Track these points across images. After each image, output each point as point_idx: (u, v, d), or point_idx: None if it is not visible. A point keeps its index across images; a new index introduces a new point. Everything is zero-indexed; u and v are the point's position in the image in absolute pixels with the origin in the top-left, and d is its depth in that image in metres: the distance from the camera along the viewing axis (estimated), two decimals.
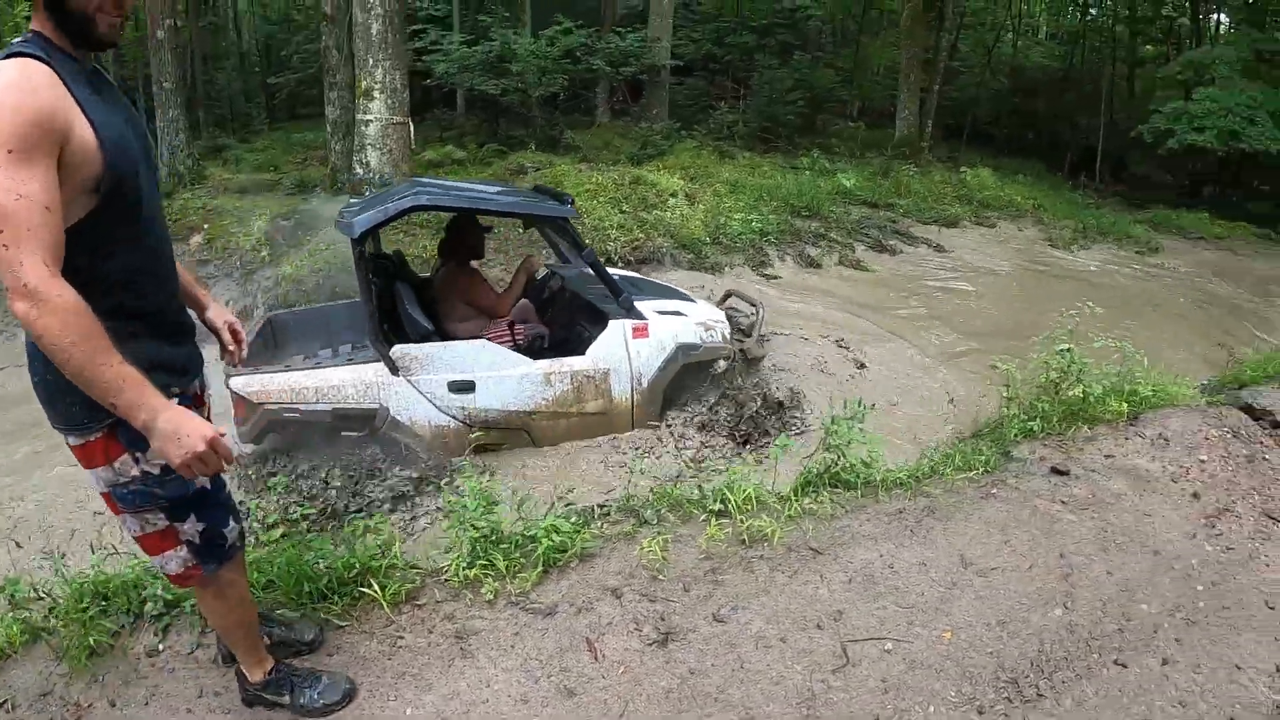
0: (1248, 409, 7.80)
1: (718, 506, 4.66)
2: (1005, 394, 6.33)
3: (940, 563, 4.43)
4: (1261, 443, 6.63)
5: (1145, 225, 17.99)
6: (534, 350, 6.86)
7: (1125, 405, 6.09)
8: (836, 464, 5.14)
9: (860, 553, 4.39)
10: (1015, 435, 5.88)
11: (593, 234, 11.60)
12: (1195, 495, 5.32)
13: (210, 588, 2.93)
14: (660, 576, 4.14)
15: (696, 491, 4.90)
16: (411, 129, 12.94)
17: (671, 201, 13.36)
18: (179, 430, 2.29)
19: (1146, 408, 6.25)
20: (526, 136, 18.10)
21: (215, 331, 3.17)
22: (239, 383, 5.96)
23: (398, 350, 6.17)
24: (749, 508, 4.71)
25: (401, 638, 3.75)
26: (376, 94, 12.28)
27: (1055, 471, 5.43)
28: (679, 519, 4.65)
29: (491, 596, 3.96)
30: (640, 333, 6.76)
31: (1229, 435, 6.29)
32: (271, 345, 7.05)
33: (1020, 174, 22.48)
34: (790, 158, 18.79)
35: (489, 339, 6.65)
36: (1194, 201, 22.50)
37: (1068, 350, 6.10)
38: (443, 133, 18.75)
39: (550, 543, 4.14)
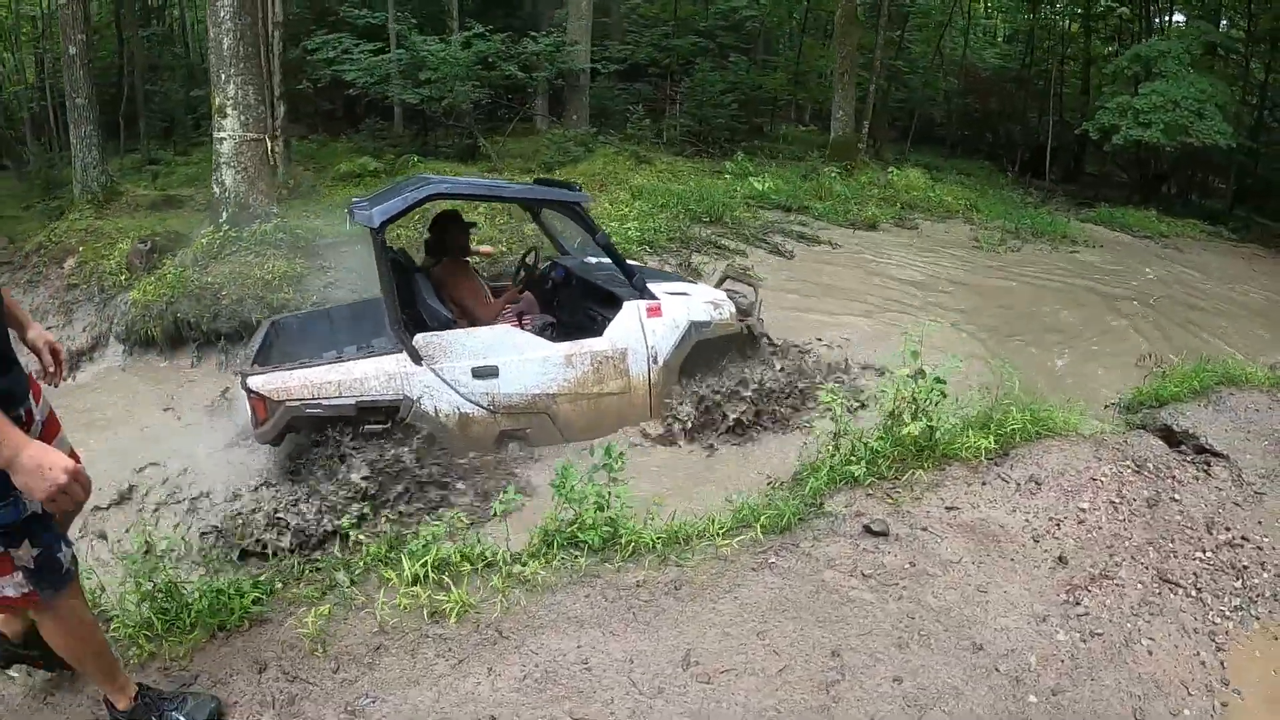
0: (1165, 432, 6.76)
1: (416, 570, 3.98)
2: (834, 427, 5.15)
3: (655, 660, 3.46)
4: (1173, 478, 5.57)
5: (1089, 224, 17.37)
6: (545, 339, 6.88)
7: (991, 439, 4.93)
8: (574, 521, 4.26)
9: (556, 640, 3.62)
10: (825, 483, 4.73)
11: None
12: (1060, 559, 4.22)
13: (49, 614, 2.87)
14: (318, 652, 3.58)
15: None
16: (269, 146, 12.08)
17: None
18: (42, 465, 2.38)
19: (1021, 441, 5.10)
20: (447, 147, 17.73)
21: (36, 352, 3.22)
22: (258, 382, 5.92)
23: (420, 338, 6.17)
24: (465, 569, 4.05)
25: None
26: (230, 110, 11.55)
27: (868, 531, 4.35)
28: (378, 581, 4.03)
29: (142, 660, 3.55)
30: (654, 312, 6.87)
31: (1128, 471, 5.22)
32: (276, 349, 7.00)
33: (969, 174, 22.08)
34: (717, 162, 18.48)
35: None
36: (1149, 200, 21.91)
37: (919, 372, 4.93)
38: (376, 144, 18.26)
39: (202, 605, 3.72)
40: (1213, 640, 4.13)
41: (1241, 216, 22.73)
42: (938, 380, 5.02)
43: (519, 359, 6.43)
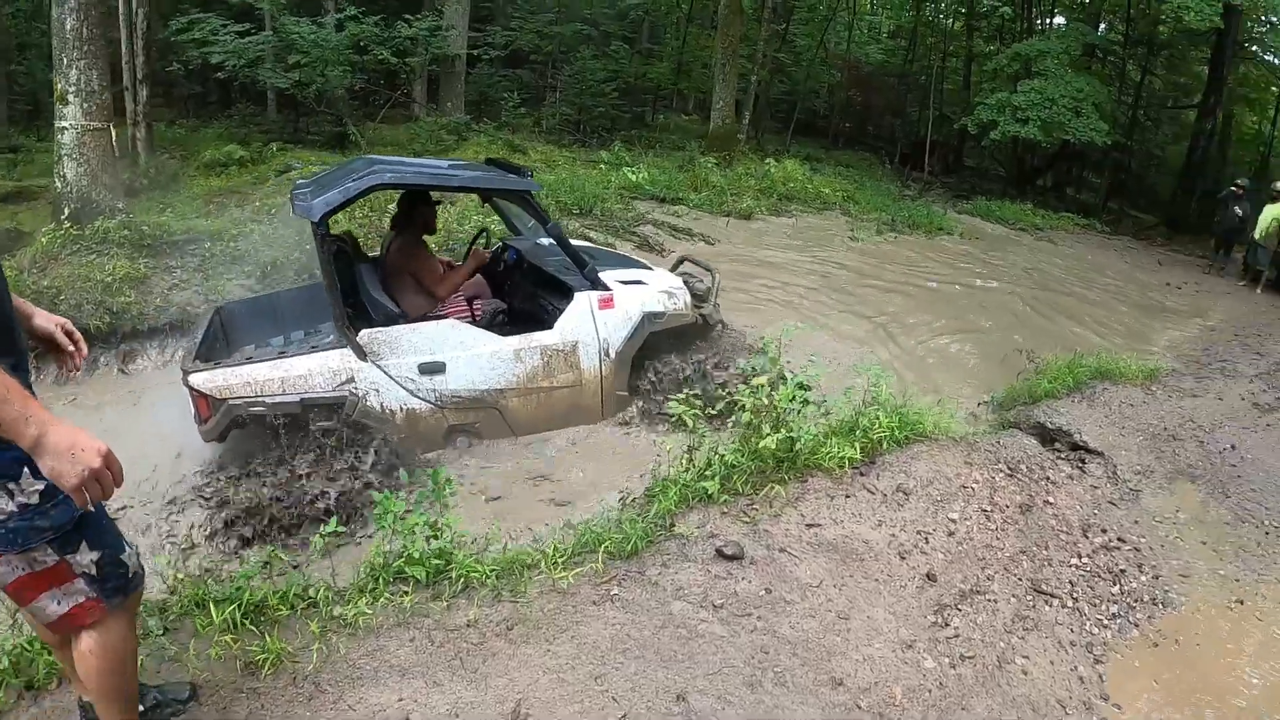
0: (1039, 430, 6.57)
1: (228, 615, 3.53)
2: (691, 440, 4.74)
3: (482, 713, 3.07)
4: (1048, 479, 5.34)
5: (966, 216, 17.54)
6: (494, 326, 6.75)
7: (856, 448, 4.58)
8: (402, 553, 3.81)
9: (376, 694, 3.22)
10: (676, 502, 4.31)
11: (298, 239, 10.01)
12: (929, 576, 3.88)
13: (98, 634, 2.58)
14: None
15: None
16: (114, 136, 11.18)
17: None
18: (74, 445, 2.13)
19: (889, 447, 4.77)
20: (316, 134, 16.98)
21: (48, 337, 2.85)
22: (199, 379, 5.69)
23: (365, 335, 5.98)
24: (283, 612, 3.62)
25: None
26: (71, 97, 10.64)
27: (721, 555, 3.94)
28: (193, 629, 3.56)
29: None
30: (606, 304, 6.74)
31: (1001, 476, 4.94)
32: (222, 337, 6.77)
33: (849, 166, 22.13)
34: (594, 151, 18.06)
35: (448, 316, 6.55)
36: (1025, 194, 22.45)
37: (778, 380, 4.55)
38: (246, 130, 17.48)
39: (5, 664, 3.25)
40: (1090, 653, 3.87)
41: (1115, 210, 23.49)
42: (801, 387, 4.66)
43: (466, 354, 6.28)
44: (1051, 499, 4.99)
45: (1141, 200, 25.54)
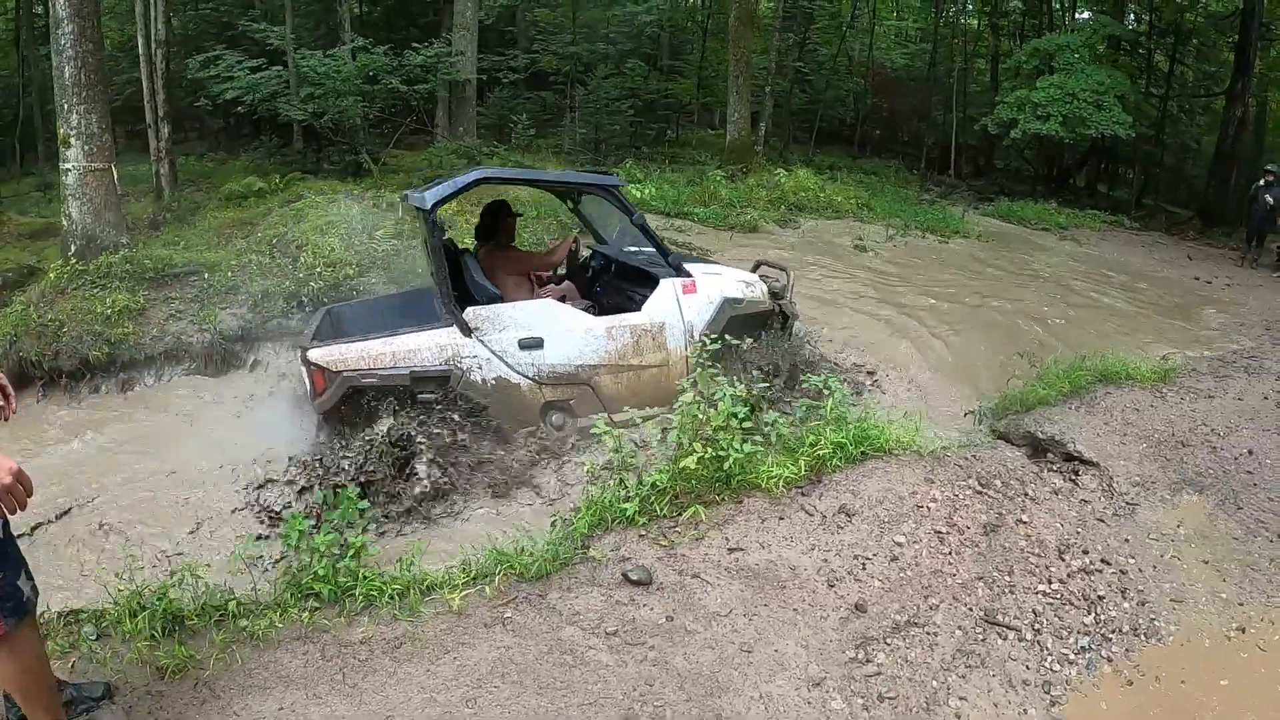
0: (1029, 441, 6.15)
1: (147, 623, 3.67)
2: (612, 459, 4.43)
3: None
4: (1025, 495, 4.93)
5: (988, 217, 17.20)
6: None
7: (800, 466, 4.23)
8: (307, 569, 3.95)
9: (259, 701, 3.37)
10: (594, 523, 4.08)
11: (292, 270, 10.17)
12: (858, 606, 3.52)
13: (5, 646, 2.74)
14: None
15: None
16: (116, 175, 11.66)
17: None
18: None
19: (839, 465, 4.40)
20: (332, 164, 17.29)
21: None
22: (317, 354, 6.22)
23: (470, 311, 6.46)
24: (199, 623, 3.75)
25: None
26: (73, 140, 11.25)
27: (627, 580, 3.69)
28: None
29: None
30: (689, 289, 7.17)
31: (967, 493, 4.56)
32: (331, 334, 7.09)
33: (876, 174, 21.81)
34: (609, 169, 17.38)
35: None
36: (1056, 193, 22.08)
37: (717, 396, 4.21)
38: (270, 162, 17.79)
39: None
40: (1047, 693, 3.49)
41: (1149, 205, 22.91)
42: (739, 401, 4.33)
43: (562, 330, 6.74)
44: (1026, 517, 4.59)
45: (1178, 193, 24.88)
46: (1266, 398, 7.67)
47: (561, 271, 8.28)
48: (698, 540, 3.93)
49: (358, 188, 14.41)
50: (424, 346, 6.40)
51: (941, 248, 13.87)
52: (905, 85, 28.83)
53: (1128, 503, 5.29)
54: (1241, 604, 4.32)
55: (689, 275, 7.27)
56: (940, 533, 4.10)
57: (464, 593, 3.79)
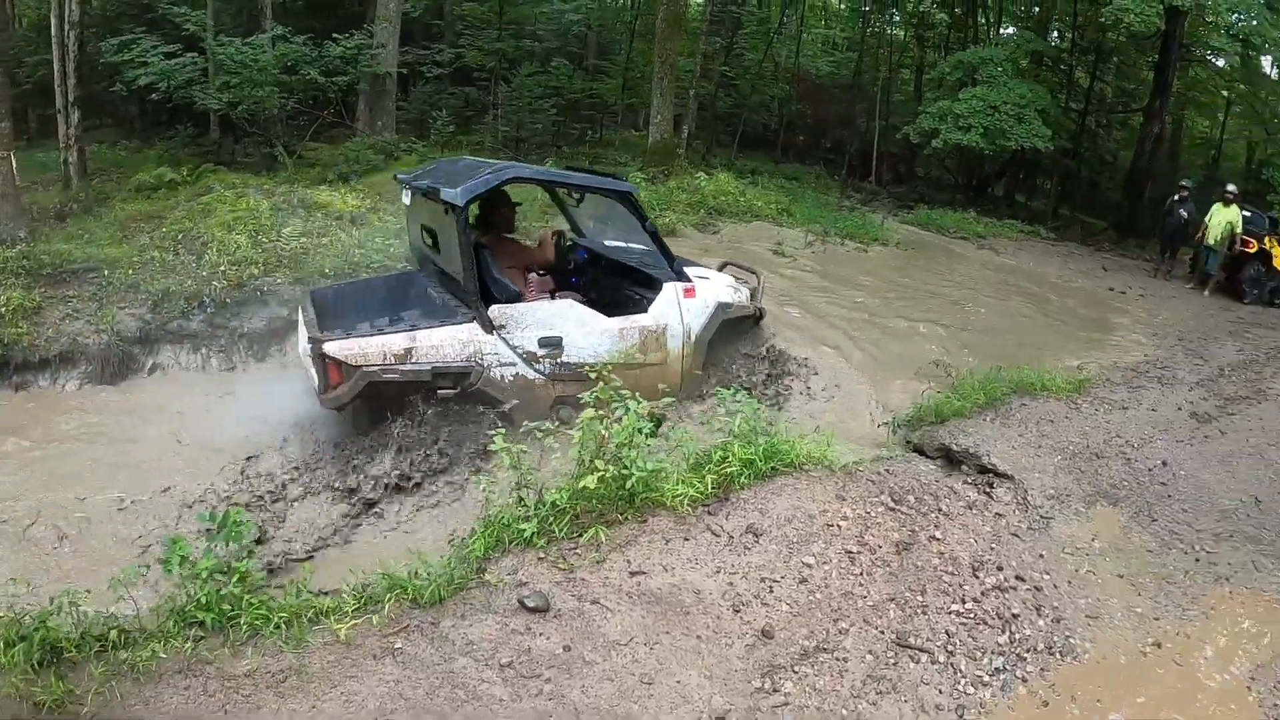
0: (944, 453, 6.06)
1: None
2: (512, 477, 4.19)
3: None
4: (939, 511, 4.80)
5: (907, 225, 17.26)
6: None
7: (708, 483, 4.03)
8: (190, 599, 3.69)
9: None
10: (490, 545, 3.87)
11: (195, 269, 9.74)
12: (765, 633, 3.34)
13: None
14: None
15: None
16: (15, 164, 11.16)
17: (334, 226, 11.45)
18: None
19: (748, 482, 4.23)
20: (246, 156, 16.93)
21: None
22: (334, 347, 6.17)
23: (495, 309, 6.59)
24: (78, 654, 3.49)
25: None
26: None
27: (523, 607, 3.48)
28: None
29: None
30: (689, 293, 7.48)
31: (879, 510, 4.41)
32: (324, 317, 7.14)
33: (798, 179, 21.89)
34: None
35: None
36: (976, 202, 22.41)
37: (623, 411, 4.01)
38: (185, 152, 17.16)
39: None
40: (960, 717, 3.35)
41: (1065, 216, 23.46)
42: (648, 419, 4.13)
43: (580, 330, 6.95)
44: (940, 534, 4.46)
45: (1094, 205, 25.51)
46: (1180, 408, 7.73)
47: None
48: (598, 563, 3.73)
49: (270, 181, 13.89)
50: (447, 342, 6.49)
51: (861, 254, 13.81)
52: (830, 92, 28.99)
53: (1042, 516, 5.23)
54: (1157, 618, 4.28)
55: (689, 280, 7.55)
56: (851, 552, 3.95)
57: (353, 622, 3.55)
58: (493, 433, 4.39)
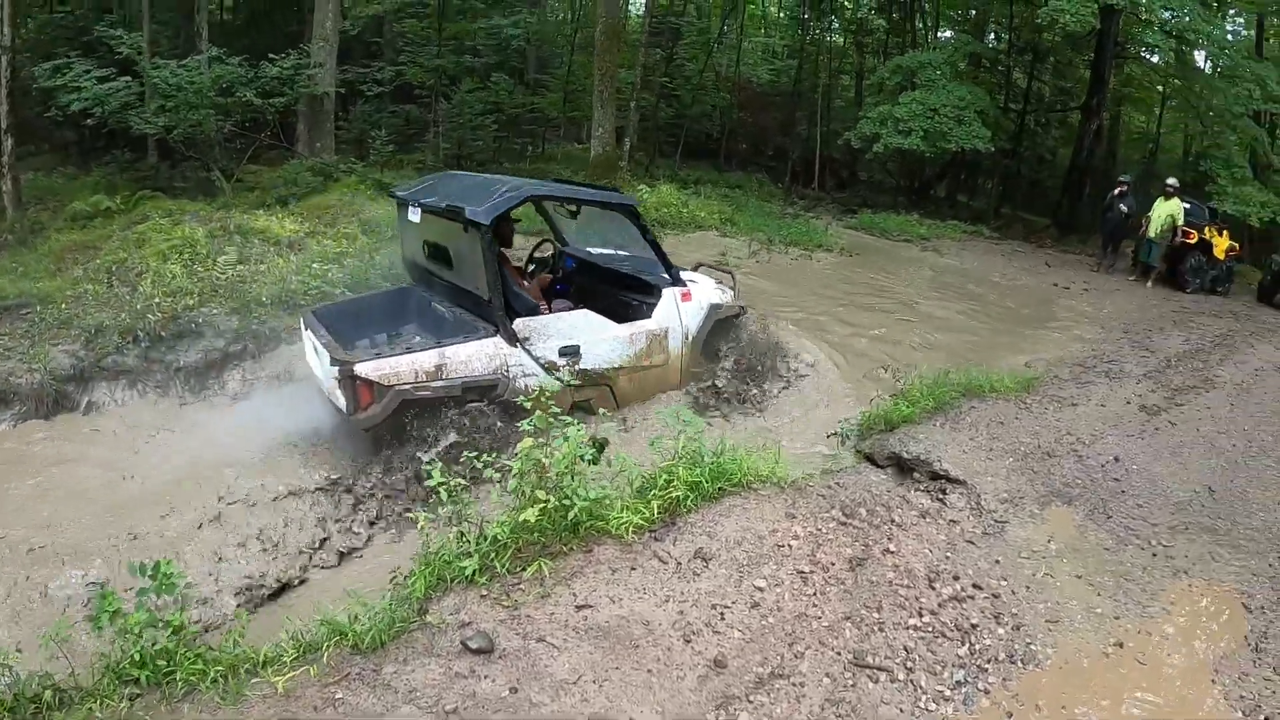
0: (895, 460, 5.99)
1: None
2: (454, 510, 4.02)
3: None
4: (892, 522, 4.71)
5: (852, 230, 17.38)
6: None
7: (653, 509, 3.90)
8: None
9: None
10: (430, 584, 3.68)
11: (130, 301, 9.43)
12: (718, 662, 3.21)
13: None
14: None
15: None
16: None
17: (271, 252, 11.20)
18: None
19: (694, 505, 4.10)
20: (182, 182, 16.48)
21: None
22: (367, 368, 6.27)
23: (520, 323, 6.85)
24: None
25: None
26: None
27: (468, 649, 3.32)
28: None
29: None
30: (686, 297, 7.88)
31: (831, 525, 4.31)
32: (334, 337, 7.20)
33: (740, 187, 21.91)
34: None
35: None
36: (919, 205, 22.62)
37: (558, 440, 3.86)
38: (122, 178, 16.76)
39: None
40: None
41: (1007, 215, 23.69)
42: (590, 444, 3.99)
43: (596, 338, 7.28)
44: (894, 546, 4.37)
45: (1034, 204, 25.80)
46: (1129, 402, 7.74)
47: (531, 269, 8.98)
48: (543, 598, 3.58)
49: (208, 207, 13.49)
50: (475, 357, 6.66)
51: (805, 261, 13.79)
52: (771, 100, 29.09)
53: (996, 520, 5.16)
54: (1118, 617, 4.23)
55: (685, 284, 7.95)
56: (803, 572, 3.85)
57: (290, 673, 3.35)
58: (427, 466, 4.22)
